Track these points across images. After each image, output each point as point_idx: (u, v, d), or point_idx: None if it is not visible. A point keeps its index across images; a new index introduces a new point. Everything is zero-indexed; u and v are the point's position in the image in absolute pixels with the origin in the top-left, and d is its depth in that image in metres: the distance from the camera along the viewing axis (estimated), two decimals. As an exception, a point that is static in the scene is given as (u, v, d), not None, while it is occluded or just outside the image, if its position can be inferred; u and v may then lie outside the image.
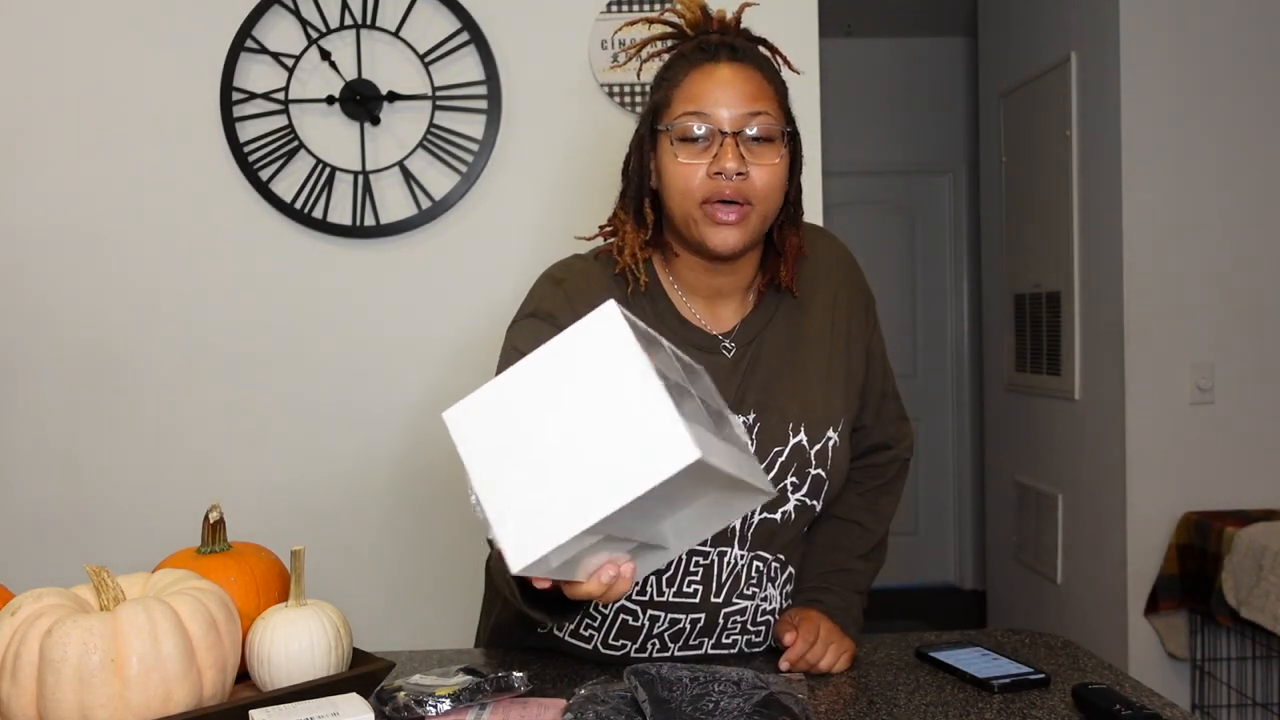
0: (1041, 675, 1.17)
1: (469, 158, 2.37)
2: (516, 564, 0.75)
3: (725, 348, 1.25)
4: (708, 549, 1.23)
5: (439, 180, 2.37)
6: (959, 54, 5.01)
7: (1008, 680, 1.15)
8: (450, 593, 2.40)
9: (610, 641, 1.26)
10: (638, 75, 1.37)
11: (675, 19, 1.25)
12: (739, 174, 1.14)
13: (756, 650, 1.31)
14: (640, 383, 0.74)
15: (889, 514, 1.40)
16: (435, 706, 1.04)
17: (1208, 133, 2.90)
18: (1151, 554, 2.90)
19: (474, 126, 2.37)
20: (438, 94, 2.36)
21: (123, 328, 2.36)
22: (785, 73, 1.26)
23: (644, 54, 1.27)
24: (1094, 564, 3.13)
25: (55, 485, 2.36)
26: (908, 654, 1.29)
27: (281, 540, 1.33)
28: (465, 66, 2.37)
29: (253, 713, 0.97)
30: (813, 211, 2.39)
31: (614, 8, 2.36)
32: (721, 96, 1.16)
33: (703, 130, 1.16)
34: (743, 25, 1.25)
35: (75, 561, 2.30)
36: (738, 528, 1.23)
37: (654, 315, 1.23)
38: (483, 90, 2.36)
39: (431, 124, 2.36)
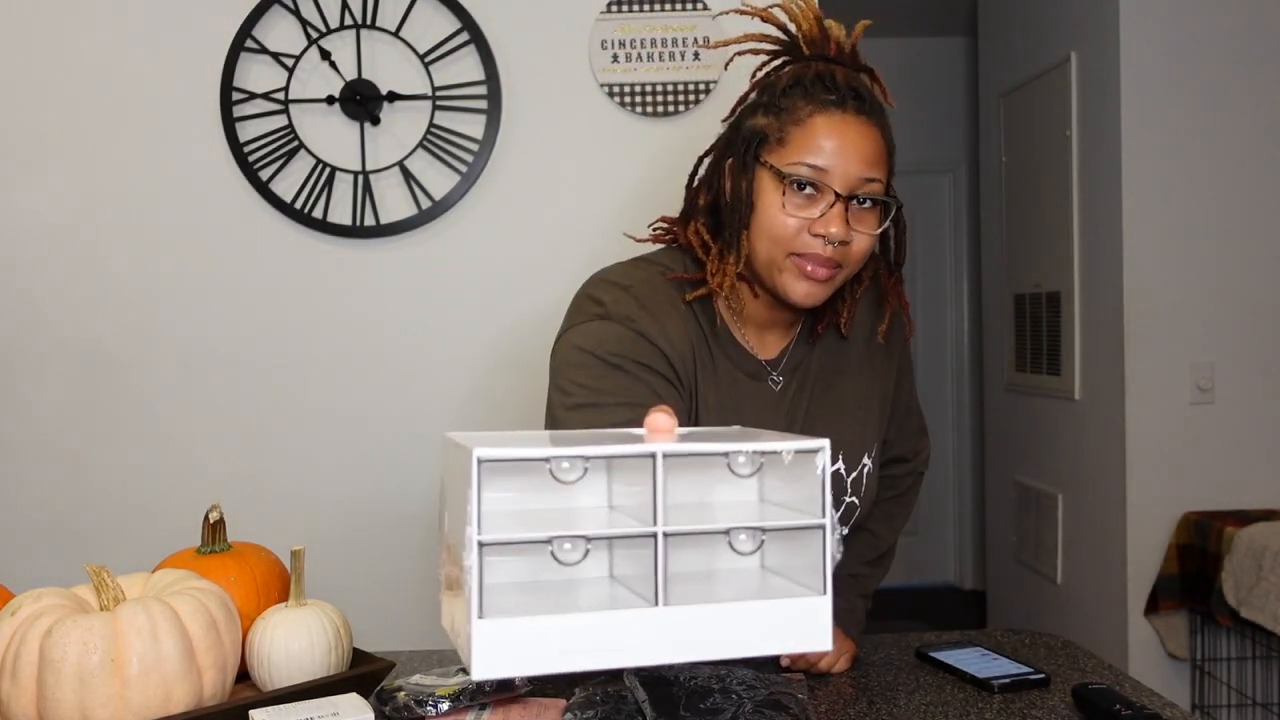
0: (1041, 675, 1.17)
1: (469, 158, 2.37)
2: (443, 618, 0.68)
3: (774, 380, 1.21)
4: None
5: (439, 180, 2.37)
6: (959, 54, 5.01)
7: (1008, 680, 1.15)
8: (450, 593, 2.40)
9: None
10: (725, 67, 1.29)
11: (791, 26, 1.16)
12: (843, 242, 1.09)
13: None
14: (465, 553, 0.59)
15: (900, 524, 1.41)
16: (435, 706, 1.04)
17: (1208, 133, 2.90)
18: (1151, 554, 2.90)
19: (474, 126, 2.37)
20: (438, 94, 2.36)
21: (122, 327, 2.36)
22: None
23: (738, 48, 1.18)
24: (1094, 564, 3.13)
25: (55, 485, 2.36)
26: (908, 654, 1.29)
27: (281, 540, 1.33)
28: (465, 66, 2.37)
29: (253, 713, 0.97)
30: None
31: (614, 8, 2.36)
32: (842, 153, 1.08)
33: (814, 182, 1.09)
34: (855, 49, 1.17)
35: (75, 561, 2.30)
36: None
37: (711, 338, 1.18)
38: (483, 90, 2.36)
39: (431, 124, 2.36)
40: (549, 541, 0.61)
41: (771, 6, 1.16)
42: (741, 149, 1.13)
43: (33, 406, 2.36)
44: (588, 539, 0.62)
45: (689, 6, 2.34)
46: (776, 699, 1.02)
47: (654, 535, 0.61)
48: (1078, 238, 3.19)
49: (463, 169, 2.37)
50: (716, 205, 1.17)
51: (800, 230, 1.09)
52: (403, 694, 1.06)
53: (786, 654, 1.20)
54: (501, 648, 0.59)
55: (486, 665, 0.59)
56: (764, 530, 0.66)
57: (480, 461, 0.59)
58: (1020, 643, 1.33)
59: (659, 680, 1.04)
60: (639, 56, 2.36)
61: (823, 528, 0.65)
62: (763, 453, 0.65)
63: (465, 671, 1.11)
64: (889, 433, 1.35)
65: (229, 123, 2.33)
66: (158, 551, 1.52)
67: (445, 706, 1.05)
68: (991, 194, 3.95)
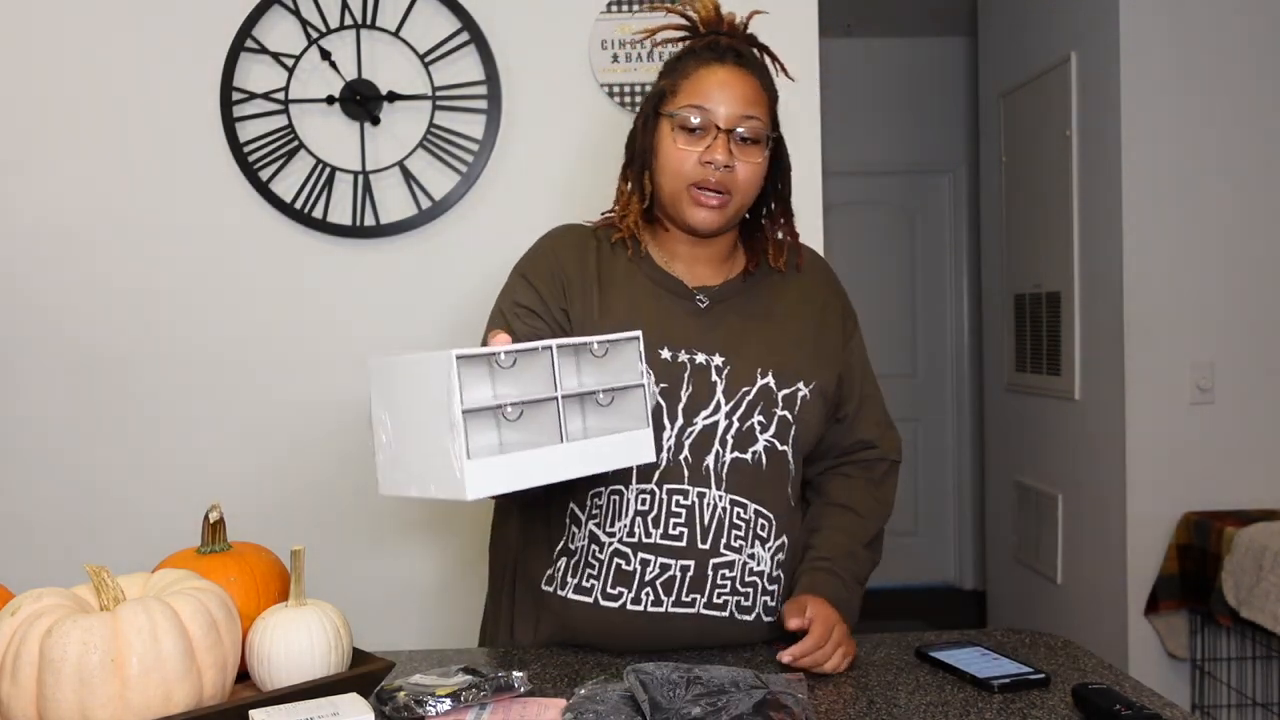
0: (1041, 675, 1.17)
1: (469, 158, 2.37)
2: (382, 489, 1.06)
3: (699, 300, 1.38)
4: (687, 488, 1.31)
5: (439, 180, 2.37)
6: (959, 54, 5.01)
7: (1008, 680, 1.15)
8: (450, 593, 2.41)
9: (609, 591, 1.31)
10: (646, 57, 1.46)
11: (691, 14, 1.39)
12: (726, 166, 1.30)
13: (746, 617, 1.34)
14: (455, 419, 0.96)
15: (884, 510, 1.46)
16: (435, 706, 1.04)
17: (1208, 132, 2.90)
18: (1151, 554, 2.91)
19: (474, 126, 2.37)
20: (438, 94, 2.36)
21: (122, 328, 2.36)
22: (782, 79, 1.40)
23: (657, 38, 1.41)
24: (1094, 564, 3.13)
25: (55, 485, 2.36)
26: (908, 654, 1.29)
27: (281, 540, 1.33)
28: (465, 66, 2.37)
29: (253, 713, 0.97)
30: (813, 211, 2.39)
31: (614, 8, 2.36)
32: (722, 96, 1.30)
33: (700, 122, 1.30)
34: (749, 32, 1.40)
35: (75, 561, 2.30)
36: (711, 465, 1.32)
37: (638, 263, 1.40)
38: (483, 90, 2.36)
39: (431, 124, 2.36)
40: (500, 408, 1.02)
41: (678, 3, 1.42)
42: (646, 108, 1.38)
43: (33, 407, 2.36)
44: (524, 404, 1.04)
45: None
46: (776, 699, 1.02)
47: (555, 399, 1.04)
48: (1078, 238, 3.19)
49: (463, 169, 2.37)
50: (632, 159, 1.41)
51: (693, 163, 1.31)
52: (403, 694, 1.06)
53: (785, 655, 1.22)
54: (482, 477, 0.97)
55: (476, 488, 0.96)
56: (612, 391, 1.10)
57: (458, 358, 0.96)
58: (1020, 643, 1.33)
59: (659, 681, 1.04)
60: (639, 56, 2.35)
61: (642, 385, 1.11)
62: (577, 345, 1.08)
63: (466, 672, 1.12)
64: (845, 410, 1.45)
65: (229, 123, 2.33)
66: (158, 551, 1.53)
67: (445, 706, 1.05)
68: (991, 194, 3.96)
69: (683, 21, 1.40)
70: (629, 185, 1.40)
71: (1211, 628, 2.84)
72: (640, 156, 1.38)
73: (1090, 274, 3.12)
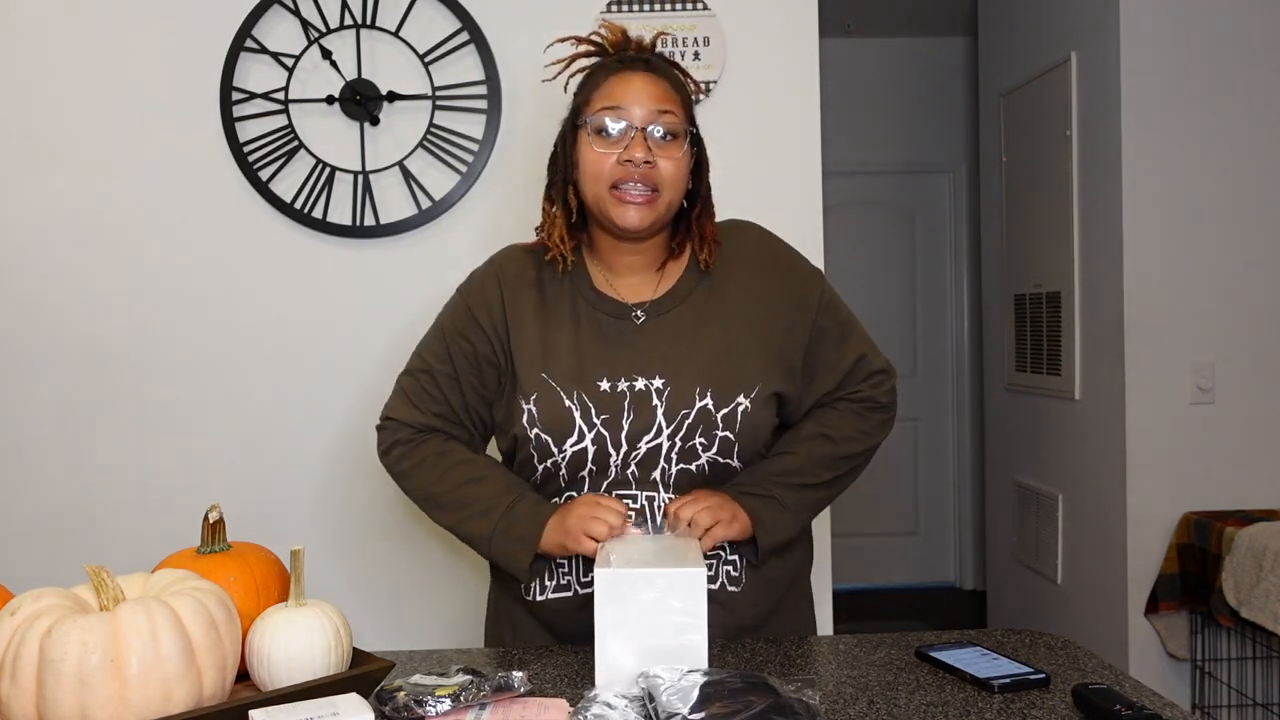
0: (1041, 675, 1.17)
1: (469, 158, 2.37)
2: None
3: (635, 315, 1.40)
4: (635, 492, 1.36)
5: (439, 180, 2.37)
6: (959, 54, 5.01)
7: (1008, 680, 1.15)
8: (450, 593, 2.40)
9: (583, 579, 1.39)
10: (565, 89, 1.48)
11: (599, 40, 1.44)
12: (646, 162, 1.32)
13: (711, 586, 1.37)
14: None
15: (863, 439, 1.47)
16: (435, 706, 1.04)
17: (1208, 132, 2.90)
18: (1151, 554, 2.90)
19: (474, 126, 2.37)
20: (438, 94, 2.36)
21: (122, 327, 2.36)
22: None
23: (572, 68, 1.44)
24: (1094, 564, 3.13)
25: (55, 485, 2.36)
26: (908, 654, 1.29)
27: (281, 540, 1.33)
28: (465, 66, 2.37)
29: (253, 713, 0.97)
30: (812, 211, 2.38)
31: (614, 7, 2.36)
32: (635, 96, 1.34)
33: (619, 126, 1.34)
34: (658, 50, 1.45)
35: (75, 561, 2.30)
36: (658, 478, 1.37)
37: (573, 289, 1.42)
38: (483, 90, 2.36)
39: (431, 124, 2.36)
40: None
41: (592, 34, 1.45)
42: (564, 126, 1.42)
43: (33, 406, 2.36)
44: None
45: (689, 6, 2.34)
46: (785, 704, 1.02)
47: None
48: (1078, 238, 3.19)
49: (463, 169, 2.37)
50: (554, 179, 1.45)
51: (612, 164, 1.34)
52: (403, 694, 1.06)
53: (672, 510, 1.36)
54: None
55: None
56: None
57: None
58: (1020, 643, 1.33)
59: (668, 686, 1.04)
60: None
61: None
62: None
63: (466, 672, 1.12)
64: (824, 385, 1.44)
65: (229, 123, 2.33)
66: (158, 551, 1.53)
67: (445, 706, 1.05)
68: (991, 194, 3.95)
69: (592, 48, 1.44)
70: (553, 205, 1.43)
71: (1212, 628, 2.84)
72: (562, 172, 1.42)
73: (1090, 274, 3.12)
